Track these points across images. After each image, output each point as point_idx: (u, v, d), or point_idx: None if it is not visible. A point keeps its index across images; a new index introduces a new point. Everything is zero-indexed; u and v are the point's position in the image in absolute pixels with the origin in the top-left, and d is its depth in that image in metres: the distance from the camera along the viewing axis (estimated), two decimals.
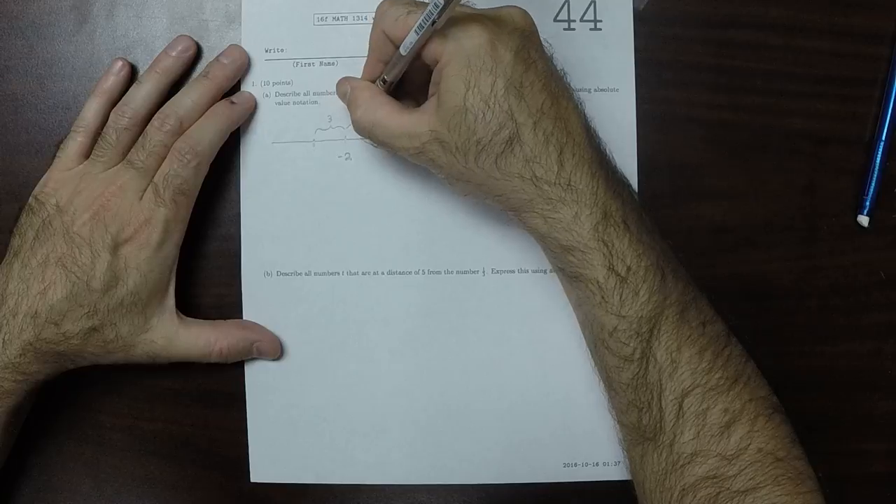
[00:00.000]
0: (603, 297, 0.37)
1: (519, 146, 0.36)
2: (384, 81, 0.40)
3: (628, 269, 0.36)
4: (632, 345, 0.36)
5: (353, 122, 0.40)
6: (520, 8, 0.37)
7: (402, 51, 0.37)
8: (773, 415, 0.37)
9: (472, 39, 0.36)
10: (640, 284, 0.36)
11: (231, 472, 0.45)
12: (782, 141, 0.45)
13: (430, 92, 0.38)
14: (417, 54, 0.37)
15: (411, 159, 0.39)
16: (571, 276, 0.38)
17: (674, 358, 0.36)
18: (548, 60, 0.38)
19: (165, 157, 0.41)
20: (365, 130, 0.40)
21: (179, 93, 0.42)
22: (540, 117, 0.36)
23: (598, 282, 0.36)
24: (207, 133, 0.41)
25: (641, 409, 0.37)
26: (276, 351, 0.44)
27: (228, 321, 0.44)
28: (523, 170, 0.36)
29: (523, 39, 0.37)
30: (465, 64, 0.36)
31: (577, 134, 0.37)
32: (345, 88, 0.41)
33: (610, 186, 0.37)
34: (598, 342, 0.38)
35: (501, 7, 0.38)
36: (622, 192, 0.38)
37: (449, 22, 0.36)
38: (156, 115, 0.41)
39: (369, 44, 0.40)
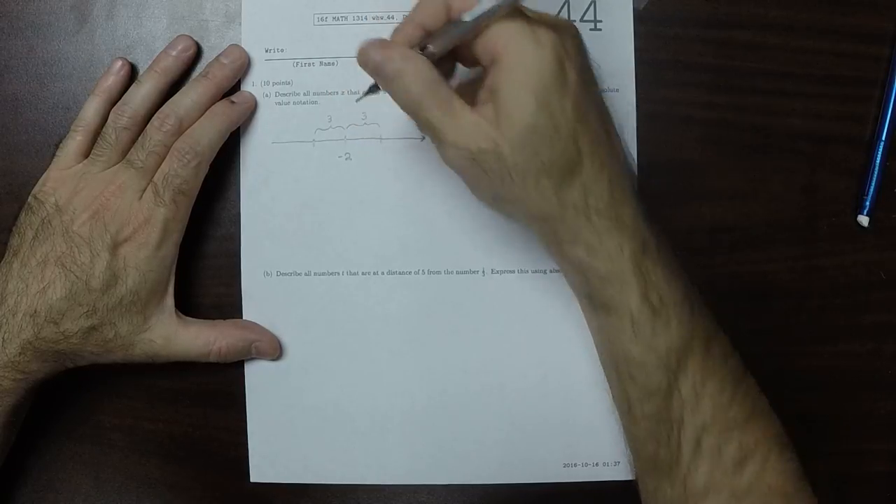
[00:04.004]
0: (634, 328, 0.35)
1: (579, 174, 0.34)
2: (423, 50, 0.34)
3: (661, 299, 0.35)
4: (658, 377, 0.35)
5: (396, 93, 0.34)
6: (571, 22, 0.35)
7: (468, 17, 0.32)
8: (784, 451, 0.36)
9: (542, 49, 0.32)
10: (671, 315, 0.35)
11: (231, 472, 0.45)
12: (782, 141, 0.45)
13: (482, 97, 0.34)
14: (476, 34, 0.33)
15: (448, 160, 0.35)
16: (601, 305, 0.36)
17: (698, 391, 0.35)
18: (597, 84, 0.36)
19: (165, 157, 0.41)
20: (413, 104, 0.34)
21: (179, 93, 0.42)
22: (597, 145, 0.34)
23: (631, 312, 0.35)
24: (207, 133, 0.41)
25: (660, 442, 0.36)
26: (274, 351, 0.44)
27: (227, 321, 0.44)
28: (579, 199, 0.34)
29: (583, 59, 0.34)
30: (536, 76, 0.32)
31: (621, 163, 0.36)
32: (378, 57, 0.34)
33: (645, 215, 0.36)
34: (622, 372, 0.37)
35: (556, 17, 0.35)
36: (650, 219, 0.37)
37: (511, 19, 0.32)
38: (155, 115, 0.41)
39: (419, 1, 0.35)
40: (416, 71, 0.33)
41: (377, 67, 0.34)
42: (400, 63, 0.33)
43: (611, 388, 0.39)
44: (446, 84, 0.34)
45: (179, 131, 0.41)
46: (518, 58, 0.32)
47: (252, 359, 0.44)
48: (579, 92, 0.33)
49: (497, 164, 0.34)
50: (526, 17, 0.33)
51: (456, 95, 0.34)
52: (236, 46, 0.44)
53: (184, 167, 0.40)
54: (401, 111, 0.44)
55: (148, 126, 0.41)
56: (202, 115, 0.42)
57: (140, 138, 0.41)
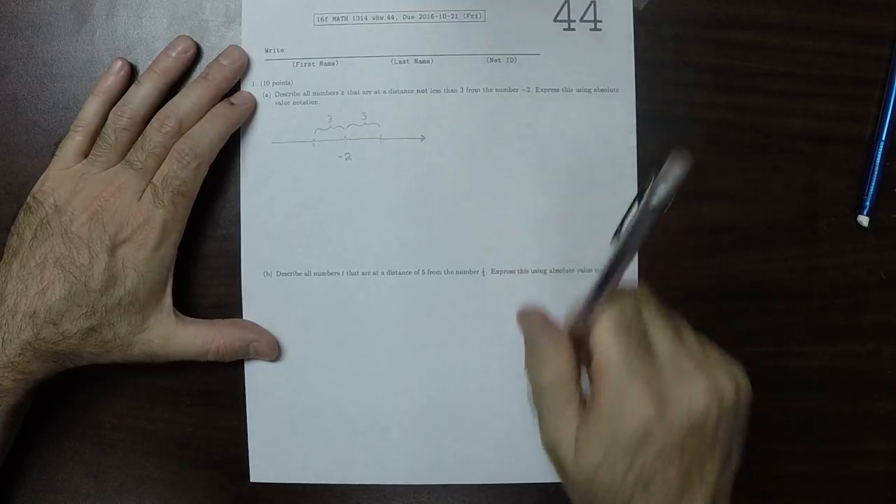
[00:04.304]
0: None
1: None
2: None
3: None
4: None
5: (530, 367, 0.36)
6: (736, 380, 0.33)
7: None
8: None
9: (633, 416, 0.31)
10: None
11: (231, 472, 0.45)
12: (782, 141, 0.45)
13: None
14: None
15: (540, 433, 0.35)
16: None
17: None
18: (729, 445, 0.33)
19: (165, 159, 0.41)
20: (536, 382, 0.35)
21: (179, 94, 0.42)
22: None
23: None
24: (207, 135, 0.41)
25: None
26: (273, 352, 0.44)
27: (226, 320, 0.44)
28: None
29: (707, 431, 0.32)
30: (614, 435, 0.32)
31: None
32: (534, 331, 0.36)
33: None
34: None
35: (718, 365, 0.33)
36: None
37: (628, 361, 0.32)
38: (155, 117, 0.41)
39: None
40: (556, 364, 0.34)
41: (529, 337, 0.36)
42: (552, 353, 0.35)
43: None
44: (575, 388, 0.34)
45: (179, 133, 0.41)
46: (610, 405, 0.32)
47: (251, 359, 0.44)
48: (650, 468, 0.32)
49: (561, 474, 0.35)
50: (642, 370, 0.32)
51: (576, 407, 0.34)
52: (236, 47, 0.44)
53: (183, 169, 0.40)
54: (400, 110, 0.44)
55: (147, 127, 0.41)
56: (202, 116, 0.42)
57: (140, 139, 0.41)
